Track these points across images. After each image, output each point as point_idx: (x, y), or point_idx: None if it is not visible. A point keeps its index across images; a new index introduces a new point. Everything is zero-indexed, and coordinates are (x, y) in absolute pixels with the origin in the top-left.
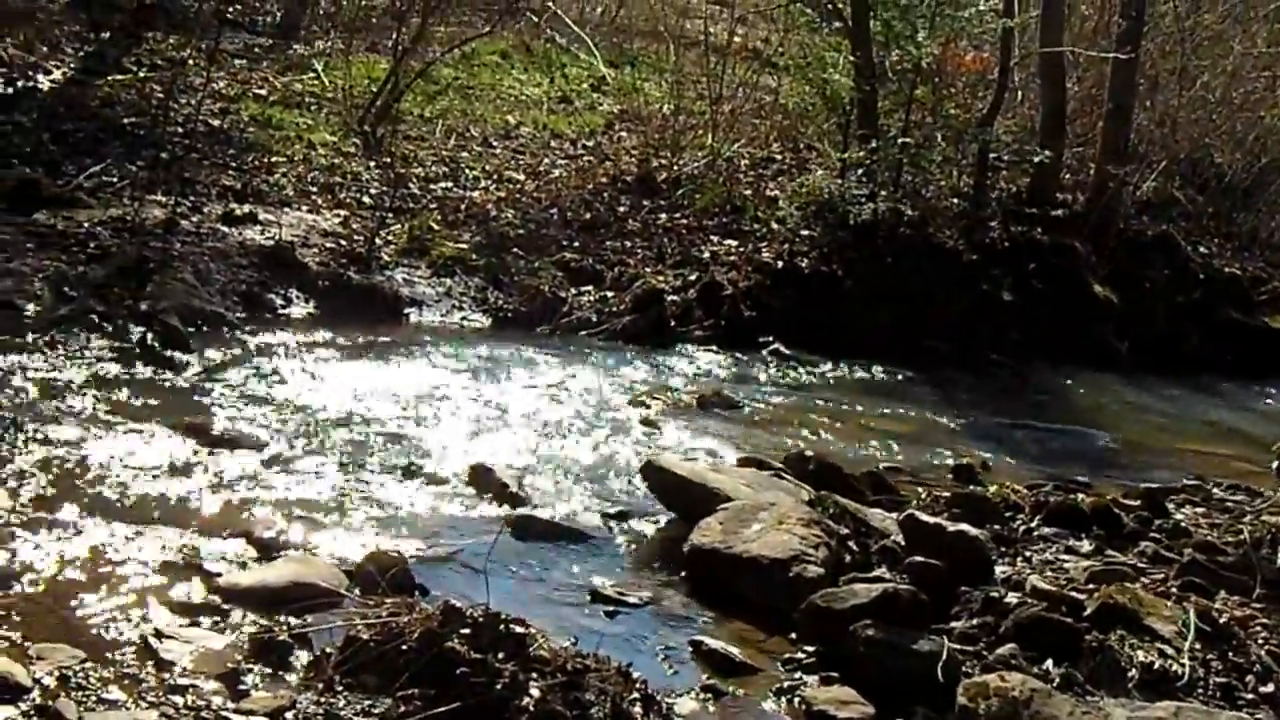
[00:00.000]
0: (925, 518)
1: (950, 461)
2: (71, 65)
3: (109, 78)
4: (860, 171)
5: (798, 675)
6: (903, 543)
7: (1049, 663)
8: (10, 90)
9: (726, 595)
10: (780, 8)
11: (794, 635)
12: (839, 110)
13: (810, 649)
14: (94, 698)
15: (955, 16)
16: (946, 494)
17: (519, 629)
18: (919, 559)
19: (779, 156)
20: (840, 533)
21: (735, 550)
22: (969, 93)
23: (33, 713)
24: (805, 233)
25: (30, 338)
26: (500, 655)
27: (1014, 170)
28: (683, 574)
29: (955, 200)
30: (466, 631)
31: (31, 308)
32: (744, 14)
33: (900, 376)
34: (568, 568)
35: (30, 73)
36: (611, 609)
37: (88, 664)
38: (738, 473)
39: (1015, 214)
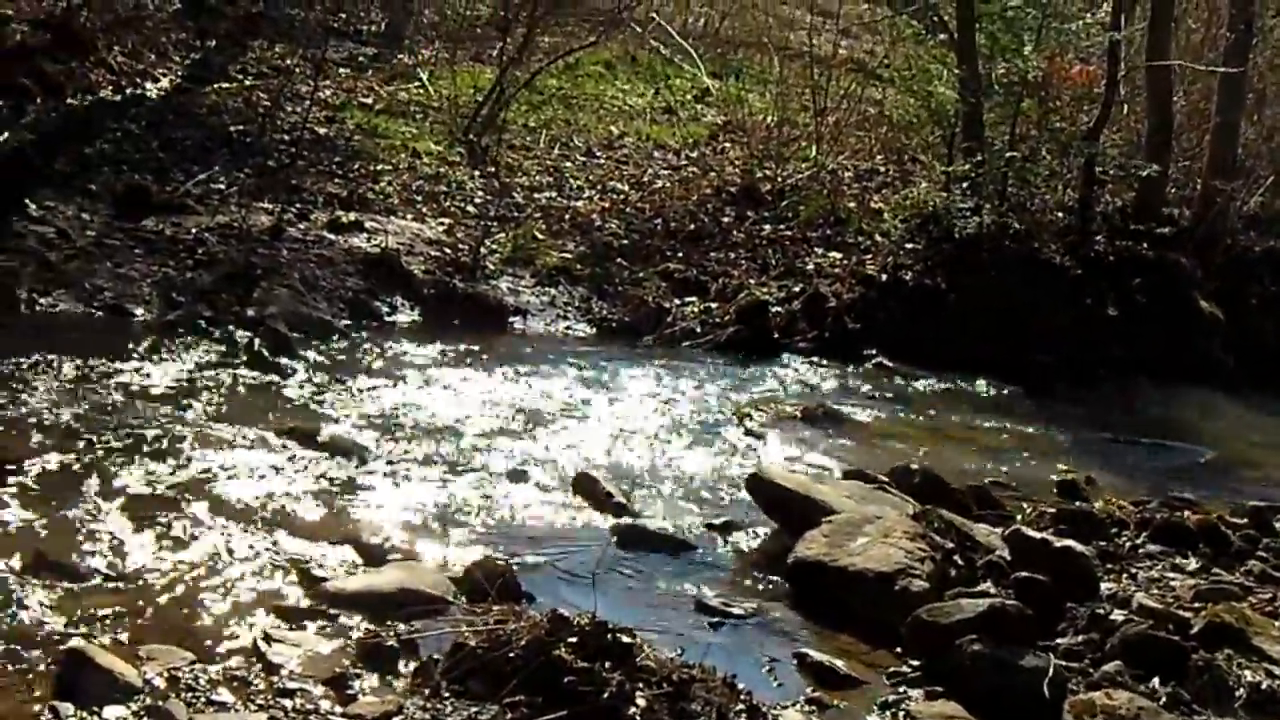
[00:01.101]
0: (1031, 533)
1: (1054, 476)
2: (179, 73)
3: (216, 86)
4: (965, 184)
5: (902, 689)
6: (1008, 558)
7: (1155, 681)
8: (119, 97)
9: (831, 608)
10: (885, 20)
11: (899, 649)
12: (944, 123)
13: (915, 663)
14: (203, 699)
15: (1062, 29)
16: (1051, 509)
17: (626, 638)
18: (1025, 574)
19: (883, 169)
20: (945, 547)
21: (840, 563)
22: (1075, 106)
23: (143, 713)
24: (909, 245)
25: (139, 343)
26: (607, 664)
27: (1119, 184)
28: (787, 586)
29: (1060, 214)
30: (574, 640)
31: (140, 313)
32: (848, 26)
33: (1004, 390)
34: (673, 578)
35: (138, 80)
36: (716, 620)
37: (197, 665)
38: (842, 485)
39: (1120, 228)
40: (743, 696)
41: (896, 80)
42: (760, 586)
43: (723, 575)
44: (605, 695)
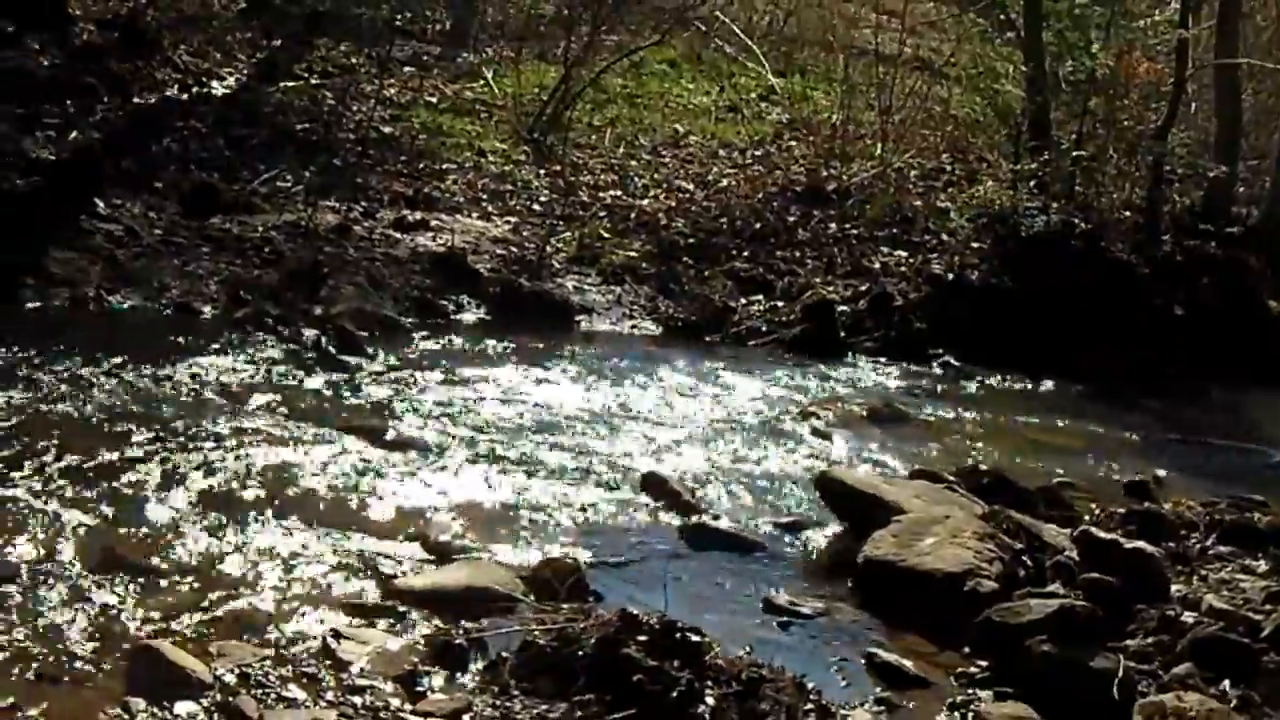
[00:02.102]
0: (1100, 534)
1: (1123, 477)
2: (244, 72)
3: (281, 84)
4: (1032, 183)
5: (971, 690)
6: (1077, 559)
7: (1226, 683)
8: (186, 96)
9: (899, 608)
10: (951, 18)
11: (967, 650)
12: (1010, 121)
13: (984, 664)
14: (273, 695)
15: (1130, 27)
16: (1120, 510)
17: (695, 637)
18: (1094, 575)
19: (949, 167)
20: (1014, 547)
21: (909, 563)
22: (1142, 105)
23: (214, 709)
24: (976, 244)
25: (207, 340)
26: (676, 663)
27: (1187, 183)
28: (855, 585)
29: (1128, 213)
30: (643, 639)
31: (208, 311)
32: (914, 24)
33: (1071, 390)
34: (741, 577)
35: (204, 79)
36: (785, 619)
37: (267, 662)
38: (910, 485)
39: (1188, 228)
40: (812, 696)
41: (963, 79)
42: (828, 586)
43: (791, 575)
44: (674, 694)
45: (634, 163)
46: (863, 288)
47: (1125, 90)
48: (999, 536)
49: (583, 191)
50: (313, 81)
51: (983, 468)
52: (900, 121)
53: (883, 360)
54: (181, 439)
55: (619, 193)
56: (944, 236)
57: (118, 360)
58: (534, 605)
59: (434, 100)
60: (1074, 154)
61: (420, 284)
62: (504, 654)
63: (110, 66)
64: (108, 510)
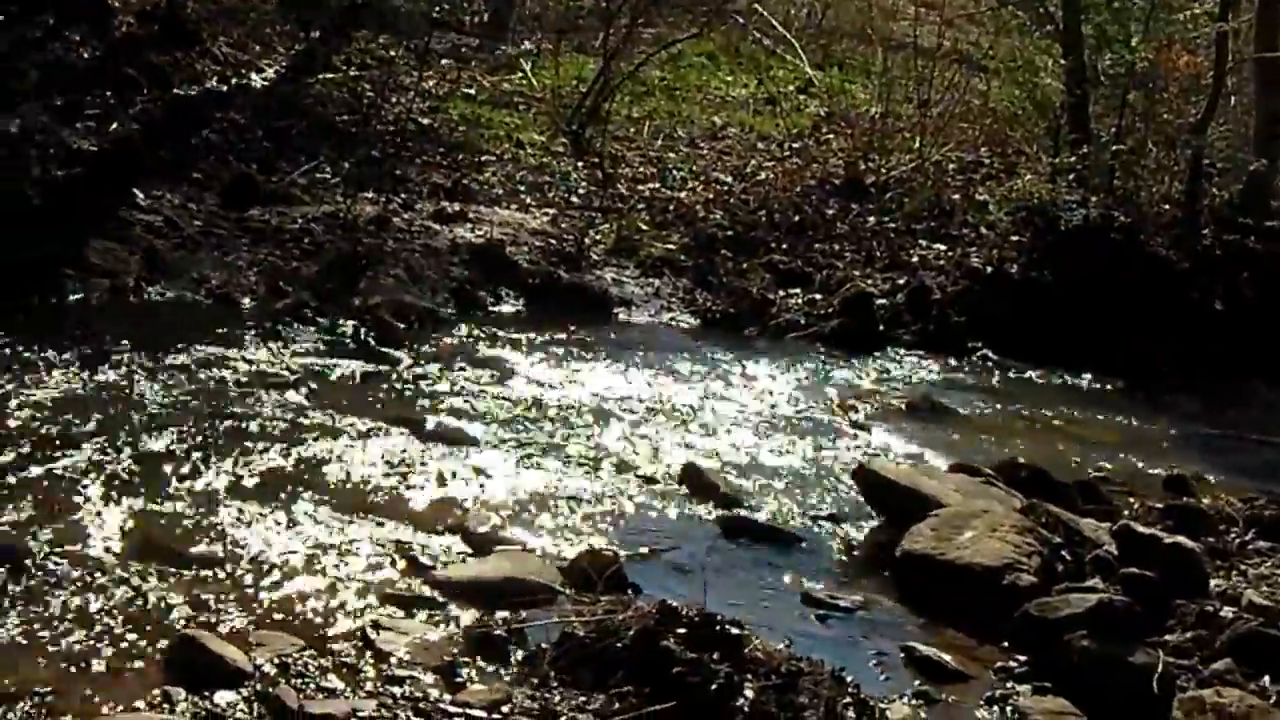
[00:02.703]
0: (1140, 529)
1: (1161, 472)
2: (283, 64)
3: (320, 76)
4: (1071, 177)
5: (1010, 684)
6: (1116, 553)
7: (1266, 679)
8: (225, 88)
9: (938, 601)
10: (990, 11)
11: (1006, 644)
12: (1049, 115)
13: (1023, 658)
14: (313, 685)
15: (1169, 20)
16: (1159, 505)
17: (734, 630)
18: (1133, 570)
19: (987, 161)
20: (1053, 542)
21: (948, 557)
22: (1182, 98)
23: (254, 698)
24: (1014, 238)
25: (246, 331)
26: (715, 655)
27: (1227, 177)
28: (894, 579)
29: (1167, 207)
30: (682, 631)
31: (247, 301)
32: (952, 17)
33: (1109, 385)
34: (779, 570)
35: (243, 71)
36: (823, 612)
37: (307, 652)
38: (949, 479)
39: (1228, 222)
40: (850, 689)
41: (1001, 72)
42: (867, 579)
43: (829, 567)
44: (713, 686)
45: (672, 155)
46: (901, 281)
47: (1165, 84)
48: (1038, 530)
49: (621, 183)
50: (351, 73)
51: (1021, 462)
52: (939, 115)
53: (921, 353)
54: (221, 429)
55: (657, 185)
56: (982, 230)
57: (158, 351)
58: (573, 597)
59: (472, 92)
60: (1113, 147)
61: (459, 275)
62: (543, 645)
63: (150, 58)
64: (148, 500)
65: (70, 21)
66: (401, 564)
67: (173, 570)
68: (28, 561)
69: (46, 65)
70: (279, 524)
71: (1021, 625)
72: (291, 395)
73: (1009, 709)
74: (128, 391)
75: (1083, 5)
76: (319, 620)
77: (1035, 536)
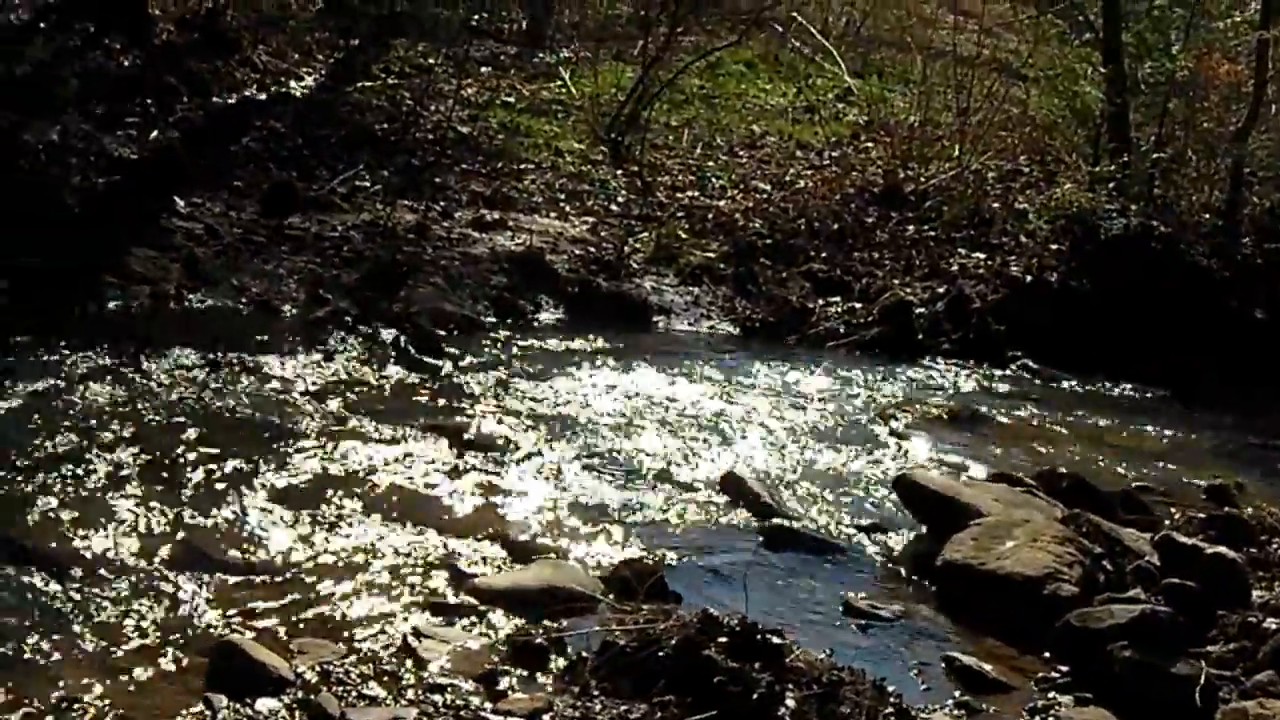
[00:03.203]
0: (1182, 539)
1: (1202, 481)
2: (322, 72)
3: (359, 84)
4: (1111, 186)
5: (1052, 695)
6: (1158, 564)
7: None
8: (264, 96)
9: (979, 611)
10: (1029, 19)
11: (1047, 654)
12: (1089, 123)
13: (1064, 668)
14: (354, 693)
15: (1210, 28)
16: (1201, 515)
17: (776, 639)
18: (1175, 581)
19: (1026, 169)
20: (1094, 552)
21: (988, 567)
22: (1223, 106)
23: (295, 705)
24: (1054, 247)
25: (286, 339)
26: (757, 665)
27: (1267, 186)
28: (934, 589)
29: (1207, 216)
30: (724, 640)
31: (287, 309)
32: (991, 25)
33: (1150, 394)
34: (820, 579)
35: (283, 79)
36: (864, 622)
37: (347, 659)
38: (989, 488)
39: (1269, 230)
40: (892, 699)
41: (1041, 80)
42: (907, 589)
43: (870, 577)
44: (755, 696)
45: (711, 163)
46: (940, 289)
47: (1205, 92)
48: (1079, 540)
49: (660, 192)
50: (390, 81)
51: (1062, 471)
52: (978, 123)
53: (960, 362)
54: (262, 436)
55: (696, 193)
56: (1022, 238)
57: (198, 358)
58: (614, 605)
59: (511, 100)
60: (1153, 156)
61: (498, 283)
62: (584, 654)
63: (190, 66)
64: (189, 507)
65: (110, 30)
66: (442, 572)
67: (214, 578)
68: (69, 569)
69: (87, 73)
70: (319, 532)
71: (1063, 636)
72: (331, 403)
73: (1051, 719)
74: (168, 399)
75: (1122, 13)
76: (360, 628)
77: (1076, 546)
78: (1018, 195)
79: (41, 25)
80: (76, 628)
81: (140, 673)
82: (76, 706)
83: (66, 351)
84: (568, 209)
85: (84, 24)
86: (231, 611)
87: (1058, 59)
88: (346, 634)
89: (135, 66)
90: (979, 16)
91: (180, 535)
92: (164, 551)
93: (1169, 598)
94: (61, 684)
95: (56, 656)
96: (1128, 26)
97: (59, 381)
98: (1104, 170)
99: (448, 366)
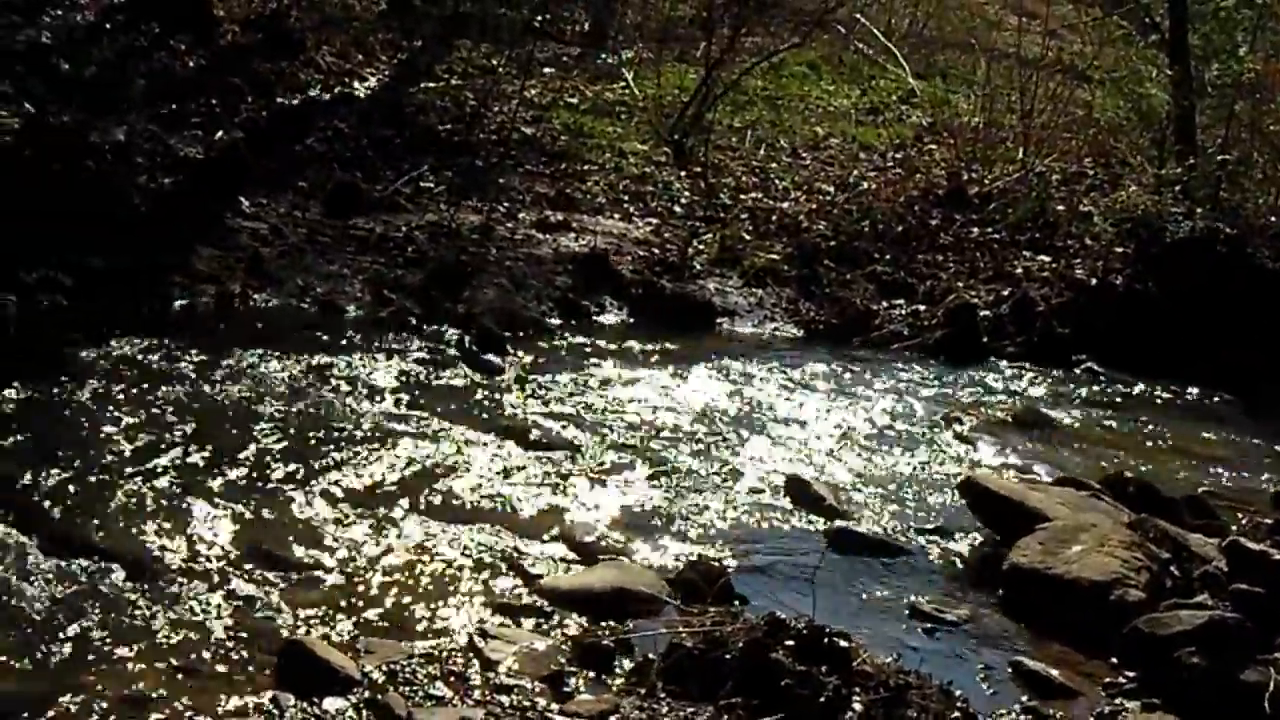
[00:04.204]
0: (1250, 544)
1: (1270, 487)
2: (386, 72)
3: (422, 85)
4: (1177, 188)
5: (1119, 700)
6: (1225, 569)
7: None
8: (328, 96)
9: (1045, 616)
10: (1094, 21)
11: (1114, 660)
12: (1155, 125)
13: (1131, 674)
14: (421, 693)
15: (1277, 30)
16: (1268, 520)
17: (843, 642)
18: (1243, 586)
19: (1091, 171)
20: (1161, 557)
21: (1055, 571)
22: None
23: (362, 705)
24: (1119, 249)
25: (351, 339)
26: (824, 668)
27: None
28: (1000, 593)
29: (1274, 219)
30: (790, 643)
31: (352, 309)
32: (1055, 27)
33: (1216, 398)
34: (885, 582)
35: (346, 79)
36: (930, 625)
37: (414, 659)
38: (1055, 492)
39: None
40: (958, 704)
41: (1106, 82)
42: (973, 593)
43: (935, 580)
44: (822, 699)
45: (774, 165)
46: (1005, 292)
47: (1272, 94)
48: (1146, 545)
49: (724, 193)
50: (454, 82)
51: (1128, 475)
52: (1042, 125)
53: (1025, 365)
54: (328, 437)
55: (760, 195)
56: (1087, 241)
57: (264, 357)
58: (680, 608)
59: (574, 101)
60: (1219, 158)
61: (562, 284)
62: (651, 656)
63: (254, 67)
64: (255, 506)
65: (175, 30)
66: (508, 572)
67: (280, 576)
68: (139, 568)
69: (152, 74)
70: (385, 531)
71: (1130, 641)
72: (396, 403)
73: None
74: (234, 398)
75: (1189, 15)
76: (426, 628)
77: (1143, 551)
78: (1082, 198)
79: (108, 26)
80: (146, 625)
81: (209, 671)
82: (146, 704)
83: (133, 351)
84: (631, 210)
85: (149, 25)
86: (299, 611)
87: (1123, 61)
88: (413, 634)
89: (200, 67)
90: (1043, 18)
91: (248, 534)
92: (232, 550)
93: (1237, 603)
94: (131, 681)
95: (126, 653)
96: (1194, 28)
97: (127, 381)
98: (1170, 173)
99: (512, 367)
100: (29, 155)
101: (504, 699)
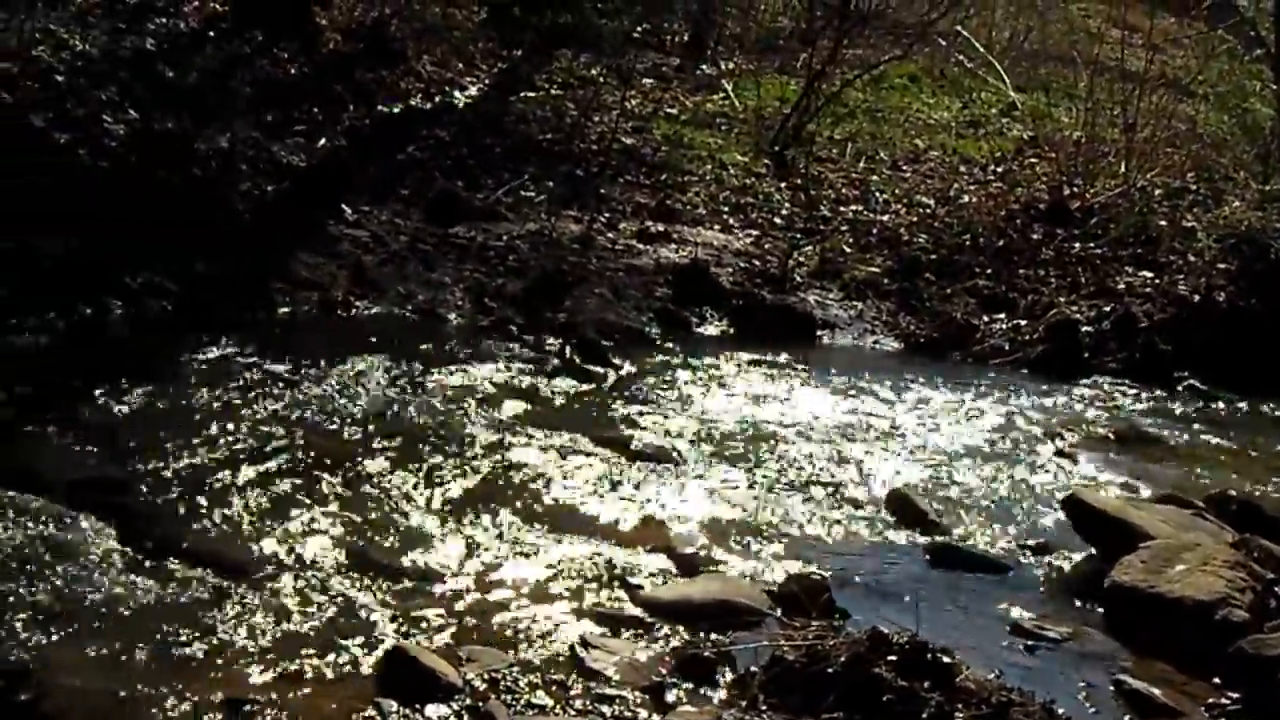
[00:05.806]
0: None
1: None
2: (486, 82)
3: (523, 95)
4: None
5: None
6: None
7: None
8: (429, 106)
9: (1147, 634)
10: (1198, 35)
11: (1218, 680)
12: (1259, 140)
13: (1235, 695)
14: (522, 702)
15: None
16: None
17: (945, 658)
18: None
19: (1194, 186)
20: (1265, 577)
21: (1158, 590)
22: None
23: (464, 712)
24: (1223, 266)
25: (452, 347)
26: (926, 684)
27: None
28: (1102, 610)
29: None
30: (893, 658)
31: (453, 318)
32: (1159, 41)
33: None
34: (987, 598)
35: (447, 89)
36: (1032, 642)
37: (515, 668)
38: (1158, 510)
39: None
40: None
41: (1209, 96)
42: (1074, 610)
43: (1037, 597)
44: (924, 715)
45: (875, 177)
46: (1106, 308)
47: None
48: (1250, 565)
49: (824, 205)
50: (554, 92)
51: (1232, 494)
52: (1145, 139)
53: (1126, 382)
54: (430, 444)
55: (860, 207)
56: (1190, 257)
57: (367, 365)
58: (782, 621)
59: (675, 112)
60: None
61: (662, 295)
62: (752, 669)
63: (356, 75)
64: (359, 513)
65: (278, 39)
66: (609, 583)
67: (384, 584)
68: (244, 572)
69: (256, 82)
70: (486, 540)
71: (1235, 662)
72: (498, 411)
73: None
74: (336, 406)
75: None
76: (527, 637)
77: (1248, 571)
78: (1185, 213)
79: (210, 34)
80: (249, 630)
81: (311, 676)
82: (247, 708)
83: (238, 357)
84: (731, 221)
85: (252, 33)
86: (402, 618)
87: (1227, 75)
88: (514, 642)
89: (302, 75)
90: (1146, 32)
91: (351, 541)
92: (336, 557)
93: None
94: (233, 685)
95: (229, 657)
96: None
97: (232, 387)
98: (1274, 188)
99: (614, 377)
100: (135, 162)
101: (605, 709)
